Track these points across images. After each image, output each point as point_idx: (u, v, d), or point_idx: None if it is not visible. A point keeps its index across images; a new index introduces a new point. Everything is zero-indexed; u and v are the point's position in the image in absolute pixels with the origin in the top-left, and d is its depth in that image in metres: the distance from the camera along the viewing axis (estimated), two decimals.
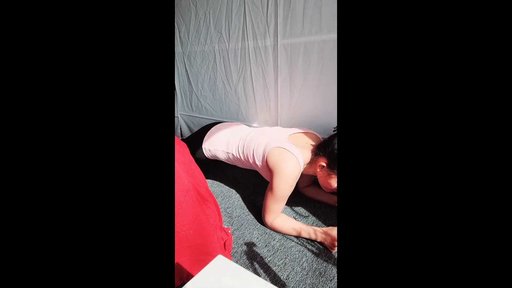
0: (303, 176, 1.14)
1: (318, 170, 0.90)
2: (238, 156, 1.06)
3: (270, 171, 0.92)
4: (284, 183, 0.87)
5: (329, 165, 0.86)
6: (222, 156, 1.13)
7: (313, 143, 1.00)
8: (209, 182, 1.32)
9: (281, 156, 0.89)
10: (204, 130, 1.23)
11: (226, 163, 1.18)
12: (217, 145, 1.13)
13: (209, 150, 1.15)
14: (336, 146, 0.85)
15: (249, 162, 1.03)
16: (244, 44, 1.34)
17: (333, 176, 0.86)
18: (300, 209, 1.06)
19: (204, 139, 1.18)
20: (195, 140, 1.22)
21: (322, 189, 1.11)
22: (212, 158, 1.18)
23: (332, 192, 1.10)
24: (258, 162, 0.97)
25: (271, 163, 0.91)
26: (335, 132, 0.91)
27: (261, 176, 1.04)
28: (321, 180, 0.92)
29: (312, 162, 0.92)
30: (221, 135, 1.15)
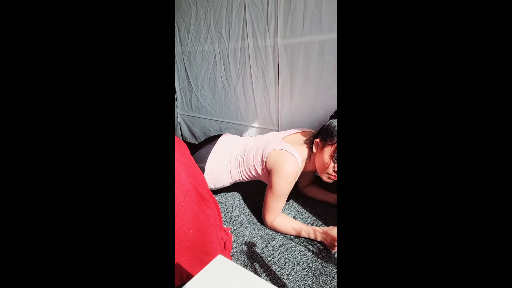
0: (303, 175, 1.15)
1: (314, 150, 0.93)
2: (243, 177, 1.06)
3: (269, 172, 0.92)
4: (283, 180, 0.88)
5: (321, 139, 0.90)
6: (228, 184, 1.12)
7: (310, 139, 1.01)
8: None
9: (280, 157, 0.90)
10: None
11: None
12: (222, 181, 1.09)
13: (216, 188, 1.12)
14: (328, 122, 0.91)
15: (253, 175, 1.03)
16: (244, 44, 1.34)
17: (325, 148, 0.89)
18: (300, 209, 1.06)
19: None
20: None
21: (322, 189, 1.12)
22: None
23: (331, 187, 1.10)
24: (259, 170, 0.98)
25: (270, 164, 0.92)
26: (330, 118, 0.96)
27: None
28: (317, 162, 0.93)
29: (311, 153, 0.95)
30: (220, 170, 1.08)
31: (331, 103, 1.14)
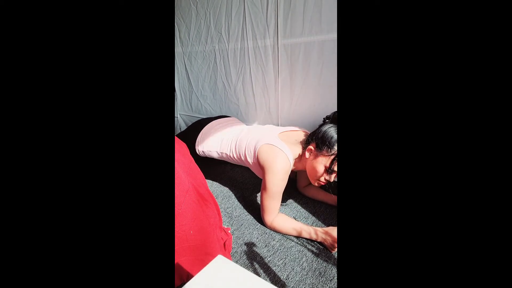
0: (301, 175, 1.15)
1: (307, 155, 0.92)
2: (232, 155, 1.10)
3: (262, 168, 0.94)
4: (275, 178, 0.89)
5: (316, 147, 0.89)
6: (215, 155, 1.17)
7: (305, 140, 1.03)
8: (209, 182, 1.32)
9: (271, 153, 0.92)
10: (196, 129, 1.24)
11: (219, 160, 1.20)
12: (210, 146, 1.15)
13: (203, 152, 1.18)
14: (324, 129, 0.89)
15: (242, 160, 1.07)
16: (244, 44, 1.34)
17: (319, 157, 0.88)
18: (300, 209, 1.06)
19: (197, 140, 1.19)
20: (187, 140, 1.20)
21: (322, 190, 1.12)
22: (204, 157, 1.22)
23: (331, 188, 1.10)
24: (250, 160, 1.01)
25: (262, 160, 0.94)
26: (325, 121, 0.96)
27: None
28: (309, 168, 0.93)
29: (302, 154, 0.95)
30: (214, 136, 1.16)
31: (331, 103, 1.15)
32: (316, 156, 0.89)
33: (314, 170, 0.89)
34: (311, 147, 0.91)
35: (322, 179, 0.89)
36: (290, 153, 0.93)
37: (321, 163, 0.87)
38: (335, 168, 0.85)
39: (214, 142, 1.14)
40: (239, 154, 1.06)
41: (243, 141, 1.05)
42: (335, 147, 0.84)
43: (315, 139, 0.90)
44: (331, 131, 0.87)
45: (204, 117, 1.70)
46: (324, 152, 0.86)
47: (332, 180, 0.88)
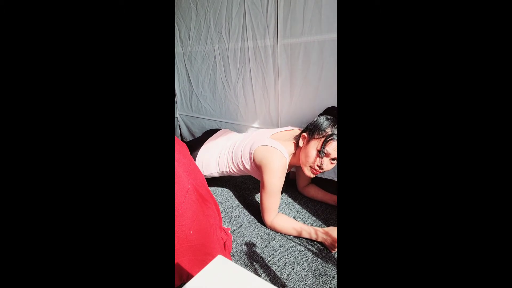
0: (300, 175, 1.15)
1: (301, 143, 0.96)
2: (231, 170, 1.10)
3: (259, 169, 0.96)
4: (273, 176, 0.90)
5: (309, 133, 0.94)
6: (216, 175, 1.16)
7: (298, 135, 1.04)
8: (209, 182, 1.32)
9: (266, 153, 0.94)
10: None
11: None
12: (210, 169, 1.14)
13: (204, 175, 1.16)
14: (315, 119, 0.94)
15: (241, 170, 1.07)
16: (244, 44, 1.34)
17: (311, 142, 0.91)
18: (300, 209, 1.06)
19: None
20: None
21: (322, 190, 1.12)
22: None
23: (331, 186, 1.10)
24: (247, 165, 1.02)
25: (258, 161, 0.95)
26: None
27: None
28: (302, 155, 0.94)
29: (297, 148, 0.98)
30: (210, 158, 1.14)
31: (330, 103, 1.14)
32: (308, 142, 0.93)
33: (307, 155, 0.91)
34: (304, 134, 0.95)
35: (315, 165, 0.90)
36: (284, 149, 0.95)
37: (313, 147, 0.90)
38: (326, 150, 0.87)
39: (212, 164, 1.13)
40: (237, 165, 1.06)
41: (238, 151, 1.05)
42: (327, 130, 0.88)
43: (308, 128, 0.95)
44: (322, 118, 0.93)
45: (205, 117, 1.70)
46: (315, 135, 0.90)
47: (324, 166, 0.89)
